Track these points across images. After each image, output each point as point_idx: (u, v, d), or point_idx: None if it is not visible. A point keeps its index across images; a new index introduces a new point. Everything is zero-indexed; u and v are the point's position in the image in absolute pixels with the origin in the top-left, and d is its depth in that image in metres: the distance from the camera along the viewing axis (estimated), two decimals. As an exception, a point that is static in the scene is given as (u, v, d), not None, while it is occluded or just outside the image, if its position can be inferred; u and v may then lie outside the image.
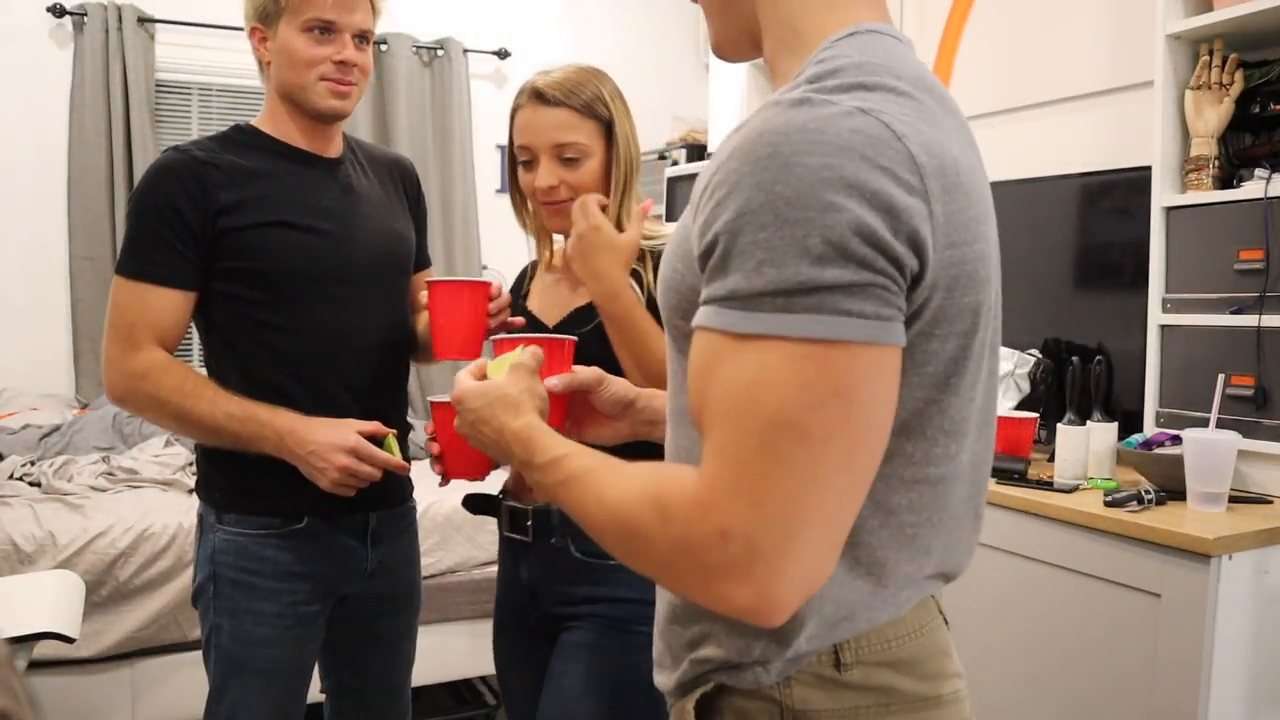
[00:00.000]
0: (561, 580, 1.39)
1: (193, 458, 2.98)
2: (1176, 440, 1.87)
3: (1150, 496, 1.71)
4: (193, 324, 1.50)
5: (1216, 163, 1.91)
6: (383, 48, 4.06)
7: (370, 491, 1.43)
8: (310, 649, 1.55)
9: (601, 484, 0.75)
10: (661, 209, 3.78)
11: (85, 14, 3.66)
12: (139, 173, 3.73)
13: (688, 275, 0.73)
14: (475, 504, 1.49)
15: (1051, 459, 2.06)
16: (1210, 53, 1.91)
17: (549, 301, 1.48)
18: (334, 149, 1.56)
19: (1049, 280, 2.30)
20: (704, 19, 0.88)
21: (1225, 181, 1.92)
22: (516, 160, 1.42)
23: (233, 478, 1.48)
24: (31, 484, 2.76)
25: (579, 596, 1.37)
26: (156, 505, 2.57)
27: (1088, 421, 1.96)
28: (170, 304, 1.42)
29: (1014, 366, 2.21)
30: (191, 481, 2.78)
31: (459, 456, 1.25)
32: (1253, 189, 1.83)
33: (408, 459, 1.51)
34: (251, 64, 1.53)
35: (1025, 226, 2.35)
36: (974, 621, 1.94)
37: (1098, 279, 2.22)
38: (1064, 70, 2.46)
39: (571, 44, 4.40)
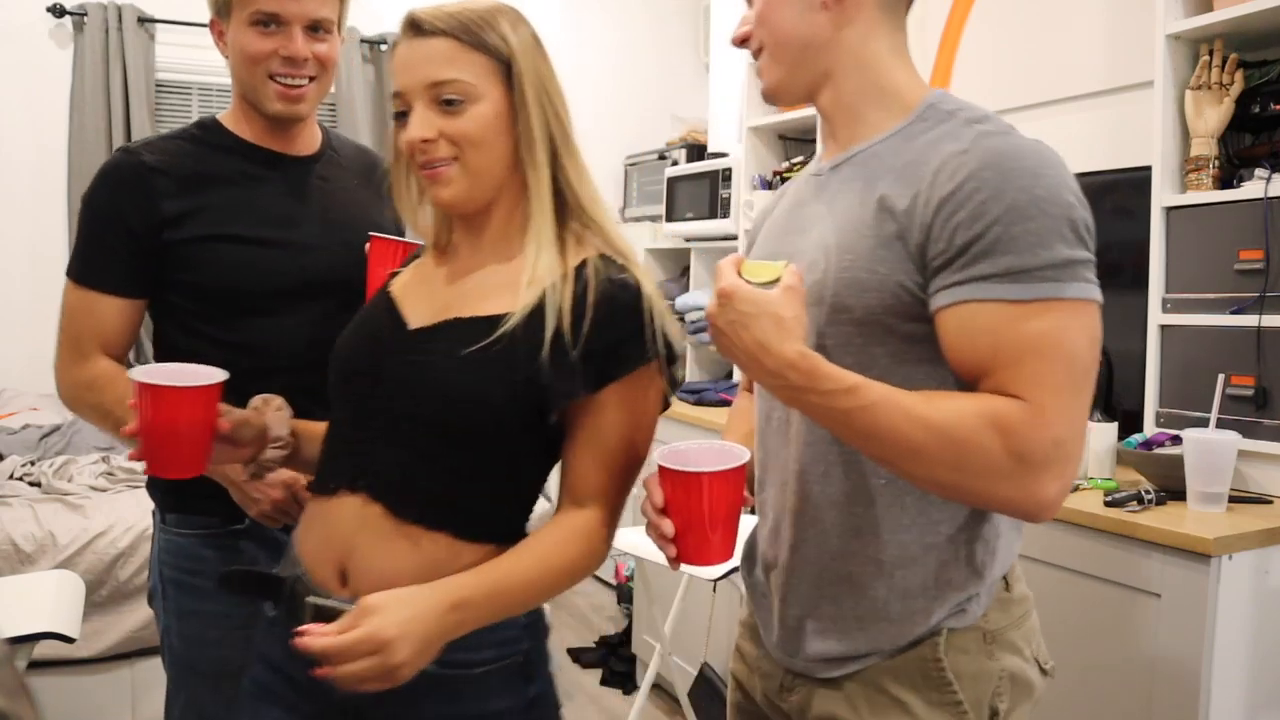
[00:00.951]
0: (402, 701, 0.98)
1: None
2: (1176, 440, 1.87)
3: (1150, 496, 1.71)
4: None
5: (1216, 163, 1.91)
6: (382, 48, 4.06)
7: None
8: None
9: (918, 408, 0.89)
10: (661, 209, 3.78)
11: (85, 14, 3.66)
12: (139, 173, 3.73)
13: (892, 275, 0.93)
14: (240, 583, 1.14)
15: (1051, 459, 2.06)
16: (1210, 53, 1.91)
17: (420, 298, 1.11)
18: (304, 146, 1.46)
19: (1049, 280, 2.30)
20: (759, 63, 1.07)
21: (1225, 181, 1.92)
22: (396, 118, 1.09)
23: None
24: (31, 484, 2.77)
25: (428, 718, 1.03)
26: (156, 505, 2.57)
27: (1088, 422, 1.96)
28: (117, 311, 1.36)
29: (1014, 366, 2.21)
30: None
31: (163, 446, 1.04)
32: (1253, 189, 1.83)
33: None
34: None
35: (1025, 226, 2.35)
36: (974, 621, 1.94)
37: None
38: (1064, 70, 2.46)
39: (571, 44, 4.40)
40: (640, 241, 3.94)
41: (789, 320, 0.90)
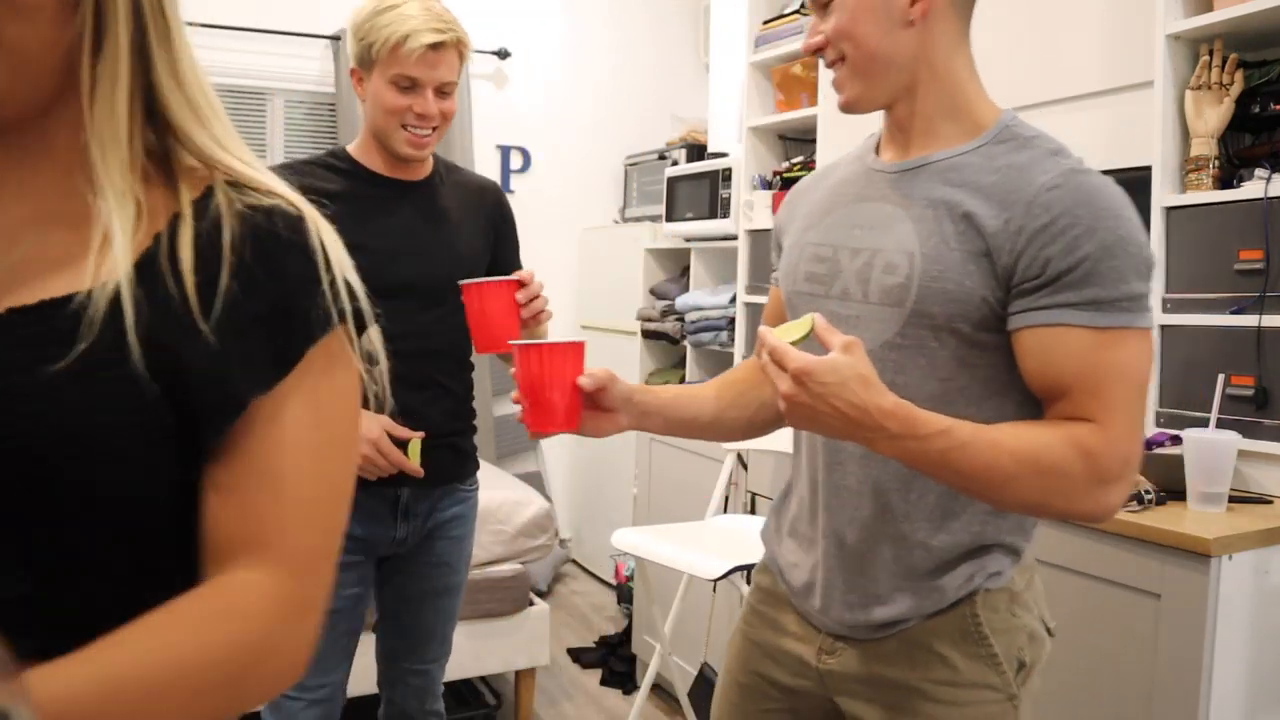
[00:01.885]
0: None
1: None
2: (1176, 440, 1.87)
3: (1150, 496, 1.71)
4: None
5: (1216, 163, 1.91)
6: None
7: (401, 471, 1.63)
8: (341, 596, 1.72)
9: (1008, 441, 0.98)
10: (661, 209, 3.78)
11: (85, 14, 3.66)
12: (139, 173, 3.73)
13: (978, 289, 1.02)
14: None
15: (1051, 459, 2.06)
16: (1210, 53, 1.91)
17: None
18: (418, 173, 1.75)
19: (1049, 280, 2.30)
20: (838, 75, 1.12)
21: (1225, 181, 1.92)
22: None
23: None
24: (31, 484, 2.76)
25: None
26: (156, 505, 2.56)
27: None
28: None
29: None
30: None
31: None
32: (1253, 189, 1.83)
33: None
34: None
35: (1025, 226, 2.35)
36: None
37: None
38: (1064, 70, 2.46)
39: (571, 44, 4.40)
40: (640, 241, 3.95)
41: (870, 376, 0.95)
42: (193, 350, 0.63)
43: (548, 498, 4.09)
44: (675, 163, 3.88)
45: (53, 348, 0.60)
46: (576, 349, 1.14)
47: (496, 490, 2.83)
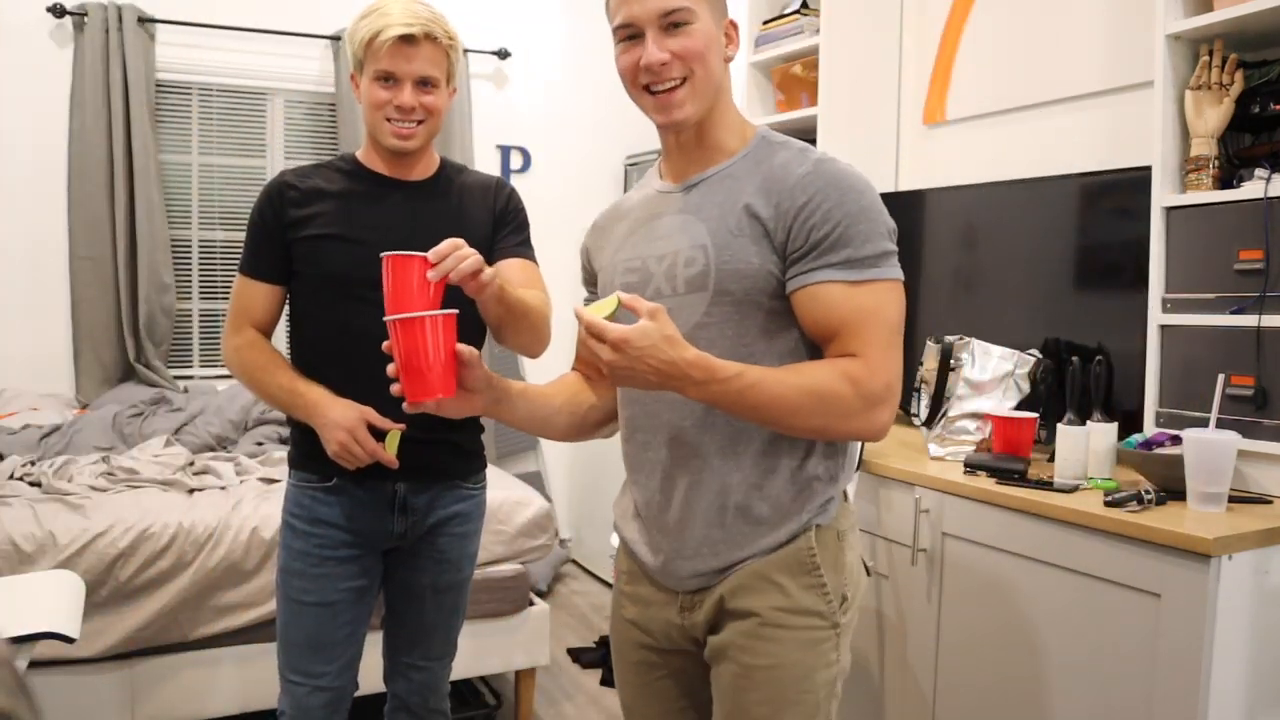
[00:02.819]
0: None
1: (192, 457, 3.07)
2: (1176, 440, 1.87)
3: (1150, 496, 1.71)
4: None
5: (1216, 163, 1.91)
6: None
7: (402, 465, 1.70)
8: (341, 588, 1.80)
9: (790, 377, 1.18)
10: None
11: (85, 14, 3.66)
12: (138, 172, 3.73)
13: (764, 265, 1.23)
14: None
15: (1051, 459, 2.06)
16: (1210, 53, 1.91)
17: None
18: (419, 173, 1.82)
19: (1049, 280, 2.30)
20: (680, 93, 1.27)
21: (1225, 181, 1.91)
22: None
23: (296, 439, 1.83)
24: (31, 484, 2.77)
25: None
26: (156, 505, 2.57)
27: (1088, 421, 1.96)
28: (262, 294, 1.79)
29: (1014, 366, 2.21)
30: (191, 482, 2.81)
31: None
32: (1253, 189, 1.83)
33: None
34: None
35: (1025, 227, 2.35)
36: (973, 621, 1.94)
37: (1098, 279, 2.22)
38: (1064, 70, 2.46)
39: (571, 44, 4.40)
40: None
41: (675, 335, 1.14)
42: None
43: (548, 498, 4.09)
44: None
45: None
46: (449, 320, 1.19)
47: (496, 490, 2.82)
